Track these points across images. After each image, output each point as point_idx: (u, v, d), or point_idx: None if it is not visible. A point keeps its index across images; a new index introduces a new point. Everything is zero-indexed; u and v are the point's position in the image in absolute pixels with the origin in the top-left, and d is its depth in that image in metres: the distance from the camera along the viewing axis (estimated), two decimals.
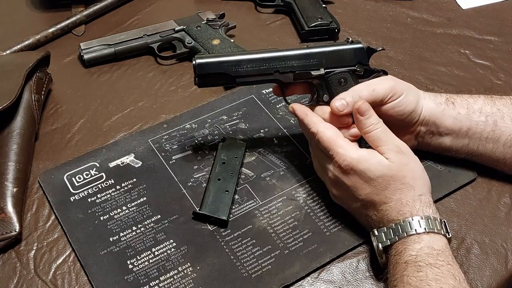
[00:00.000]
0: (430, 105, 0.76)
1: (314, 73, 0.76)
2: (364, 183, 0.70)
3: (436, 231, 0.66)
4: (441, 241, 0.66)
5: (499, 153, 0.77)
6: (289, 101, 0.78)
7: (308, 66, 0.76)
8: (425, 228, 0.66)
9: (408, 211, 0.67)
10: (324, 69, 0.76)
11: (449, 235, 0.67)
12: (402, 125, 0.76)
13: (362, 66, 0.77)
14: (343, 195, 0.73)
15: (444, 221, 0.68)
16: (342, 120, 0.74)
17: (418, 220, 0.66)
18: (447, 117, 0.76)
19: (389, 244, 0.67)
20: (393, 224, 0.67)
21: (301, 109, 0.76)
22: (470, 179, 0.80)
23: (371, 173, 0.69)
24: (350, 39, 0.78)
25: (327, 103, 0.76)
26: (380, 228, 0.69)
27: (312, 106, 0.77)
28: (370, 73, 0.77)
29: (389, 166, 0.69)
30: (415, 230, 0.66)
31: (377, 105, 0.74)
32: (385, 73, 0.78)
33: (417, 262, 0.64)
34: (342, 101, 0.73)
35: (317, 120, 0.74)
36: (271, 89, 0.92)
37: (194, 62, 0.76)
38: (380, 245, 0.68)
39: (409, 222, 0.66)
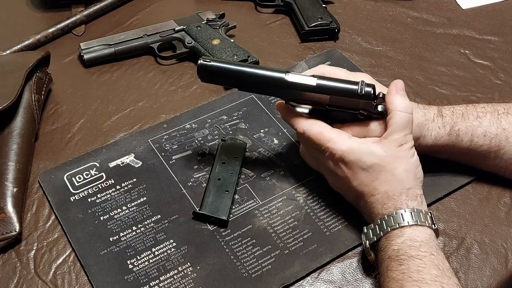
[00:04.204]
0: (430, 142, 0.75)
1: (315, 104, 0.73)
2: (355, 174, 0.70)
3: (419, 223, 0.66)
4: (425, 233, 0.66)
5: (500, 167, 0.77)
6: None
7: (311, 98, 0.73)
8: (408, 222, 0.66)
9: (392, 205, 0.68)
10: (327, 106, 0.73)
11: (434, 226, 0.67)
12: None
13: (365, 111, 0.72)
14: (339, 185, 0.74)
15: (430, 212, 0.68)
16: None
17: (401, 214, 0.66)
18: (446, 147, 0.76)
19: (376, 241, 0.68)
20: (378, 220, 0.68)
21: (284, 110, 0.76)
22: (470, 179, 0.80)
23: (361, 163, 0.69)
24: (361, 88, 0.70)
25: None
26: (368, 225, 0.70)
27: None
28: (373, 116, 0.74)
29: (380, 156, 0.69)
30: (398, 224, 0.66)
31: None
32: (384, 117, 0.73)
33: (399, 255, 0.64)
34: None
35: (300, 119, 0.74)
36: None
37: (199, 62, 0.74)
38: (367, 243, 0.69)
39: (392, 216, 0.67)
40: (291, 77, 0.73)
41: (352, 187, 0.71)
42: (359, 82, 0.71)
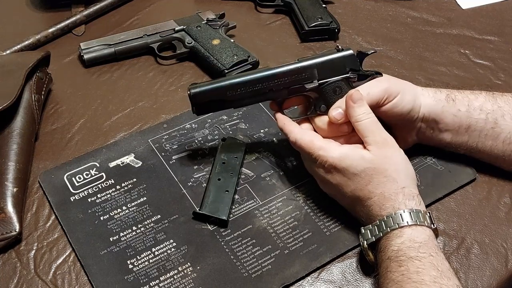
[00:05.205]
0: (429, 102, 0.77)
1: (308, 86, 0.76)
2: (348, 180, 0.70)
3: (418, 223, 0.66)
4: (424, 233, 0.66)
5: (498, 150, 0.77)
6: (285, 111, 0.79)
7: (301, 80, 0.76)
8: (407, 222, 0.66)
9: (390, 206, 0.68)
10: (318, 81, 0.76)
11: (433, 226, 0.68)
12: (402, 123, 0.77)
13: (355, 72, 0.76)
14: (334, 192, 0.74)
15: (429, 212, 0.68)
16: (341, 129, 0.75)
17: (400, 214, 0.67)
18: (446, 114, 0.77)
19: (374, 241, 0.68)
20: (377, 221, 0.68)
21: (280, 119, 0.77)
22: (470, 179, 0.80)
23: (353, 168, 0.70)
24: (340, 46, 0.77)
25: (325, 113, 0.75)
26: (366, 225, 0.70)
27: (311, 118, 0.77)
28: (364, 77, 0.76)
29: (371, 160, 0.70)
30: (397, 224, 0.66)
31: (374, 108, 0.74)
32: (380, 74, 0.77)
33: (398, 257, 0.64)
34: (338, 109, 0.74)
35: (293, 128, 0.75)
36: None
37: (189, 93, 0.76)
38: (365, 243, 0.69)
39: (391, 217, 0.67)
40: (276, 69, 0.76)
41: (347, 193, 0.71)
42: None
